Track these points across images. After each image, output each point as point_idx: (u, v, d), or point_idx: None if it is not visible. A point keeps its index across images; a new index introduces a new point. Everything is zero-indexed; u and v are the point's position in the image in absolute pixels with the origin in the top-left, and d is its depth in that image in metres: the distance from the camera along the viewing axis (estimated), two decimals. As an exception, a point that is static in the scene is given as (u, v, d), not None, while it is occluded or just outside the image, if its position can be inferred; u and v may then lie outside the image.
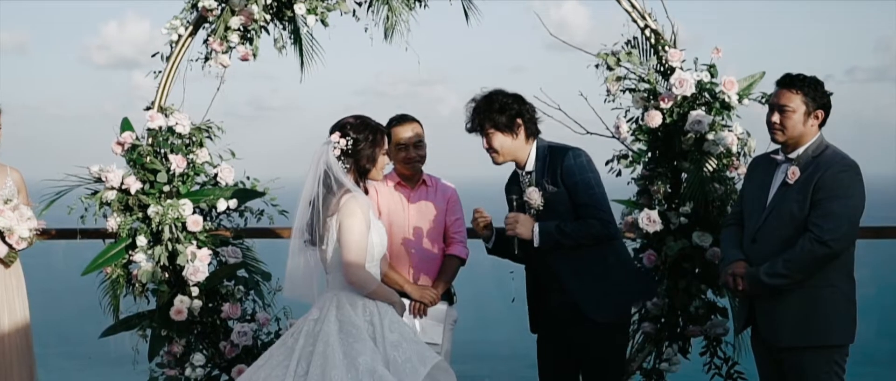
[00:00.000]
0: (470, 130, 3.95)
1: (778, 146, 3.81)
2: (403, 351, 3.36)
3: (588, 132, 4.64)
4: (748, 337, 4.46)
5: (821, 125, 3.74)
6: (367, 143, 3.59)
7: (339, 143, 3.55)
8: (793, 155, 3.74)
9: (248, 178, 4.78)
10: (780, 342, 3.71)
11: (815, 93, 3.70)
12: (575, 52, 4.63)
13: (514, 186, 4.01)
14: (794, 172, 3.69)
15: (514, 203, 3.93)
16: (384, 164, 3.69)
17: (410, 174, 4.35)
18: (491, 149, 3.91)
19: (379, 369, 3.24)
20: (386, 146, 3.68)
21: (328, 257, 3.54)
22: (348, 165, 3.57)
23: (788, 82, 3.74)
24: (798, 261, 3.59)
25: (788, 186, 3.71)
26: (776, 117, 3.74)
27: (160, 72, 4.75)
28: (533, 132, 3.93)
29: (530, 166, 3.92)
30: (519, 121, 3.86)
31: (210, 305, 4.66)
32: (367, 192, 3.65)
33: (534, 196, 3.86)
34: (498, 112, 3.85)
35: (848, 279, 3.69)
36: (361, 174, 3.61)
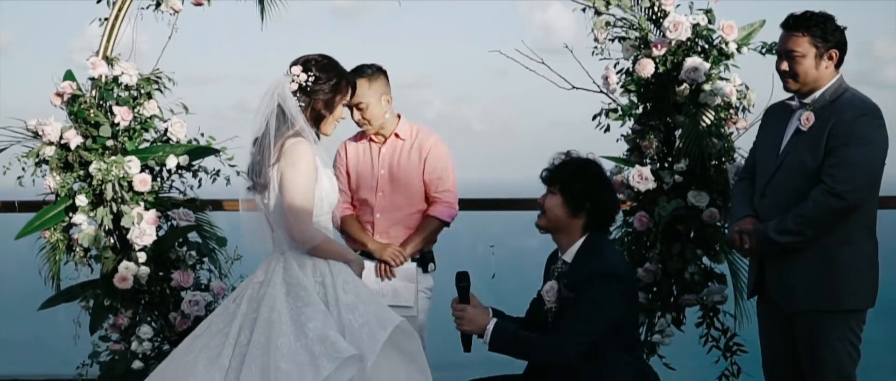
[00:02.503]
0: (543, 179, 3.42)
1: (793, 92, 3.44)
2: (360, 314, 2.95)
3: (574, 87, 4.28)
4: (748, 307, 4.12)
5: (838, 65, 3.37)
6: (328, 85, 3.14)
7: (298, 76, 3.12)
8: (808, 100, 3.37)
9: (202, 134, 4.35)
10: (793, 304, 3.34)
11: (824, 32, 3.32)
12: (564, 55, 4.30)
13: (551, 265, 3.49)
14: (807, 118, 3.33)
15: (468, 291, 3.38)
16: (340, 116, 3.24)
17: (376, 132, 3.97)
18: (541, 205, 3.39)
19: (331, 335, 2.84)
20: (348, 97, 3.24)
21: (271, 211, 3.11)
22: (303, 104, 3.12)
23: (793, 24, 3.36)
24: (810, 216, 3.23)
25: (802, 133, 3.34)
26: (785, 65, 3.37)
27: (106, 19, 4.33)
28: (592, 227, 3.36)
29: (568, 256, 3.36)
30: (587, 204, 3.31)
31: (160, 273, 4.24)
32: (318, 138, 3.19)
33: (549, 293, 3.36)
34: (578, 180, 3.34)
35: (868, 237, 3.33)
36: (315, 120, 3.16)
